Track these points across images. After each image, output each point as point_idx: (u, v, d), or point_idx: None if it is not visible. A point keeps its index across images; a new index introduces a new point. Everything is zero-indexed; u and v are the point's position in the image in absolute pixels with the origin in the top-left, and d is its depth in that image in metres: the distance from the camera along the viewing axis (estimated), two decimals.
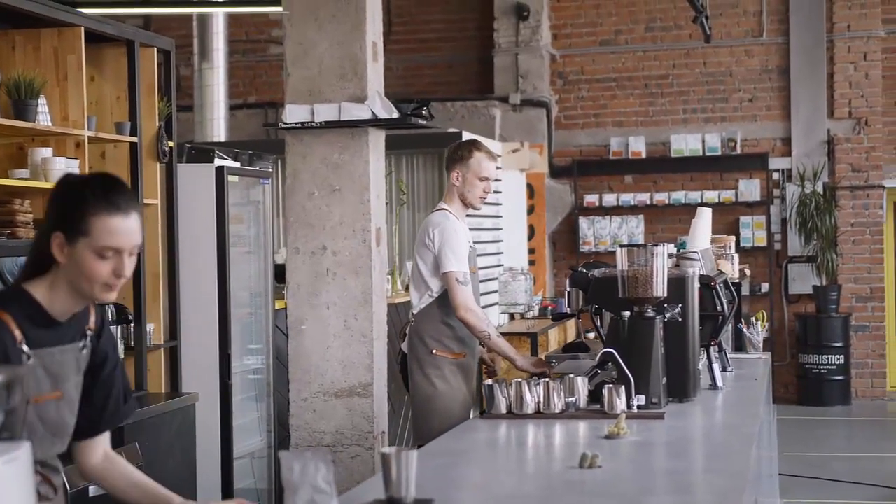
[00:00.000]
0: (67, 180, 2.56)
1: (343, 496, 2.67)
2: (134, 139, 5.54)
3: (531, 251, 11.32)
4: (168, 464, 5.21)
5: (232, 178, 6.14)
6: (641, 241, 11.42)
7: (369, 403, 4.99)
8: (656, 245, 4.09)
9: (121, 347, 5.36)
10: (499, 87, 12.06)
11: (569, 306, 4.90)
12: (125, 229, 2.47)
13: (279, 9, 5.27)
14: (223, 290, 6.03)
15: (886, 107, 11.74)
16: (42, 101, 5.02)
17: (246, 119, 12.17)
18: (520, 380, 3.97)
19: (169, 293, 5.88)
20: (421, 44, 12.57)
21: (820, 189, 11.48)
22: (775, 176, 11.80)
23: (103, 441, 2.73)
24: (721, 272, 5.26)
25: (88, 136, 5.23)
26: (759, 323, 6.03)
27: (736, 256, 6.26)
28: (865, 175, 11.67)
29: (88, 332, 2.63)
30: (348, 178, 4.97)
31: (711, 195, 11.65)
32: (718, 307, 4.66)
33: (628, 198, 11.88)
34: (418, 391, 5.01)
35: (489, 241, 9.36)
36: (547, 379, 3.99)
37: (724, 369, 4.91)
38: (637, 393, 3.92)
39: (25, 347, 2.45)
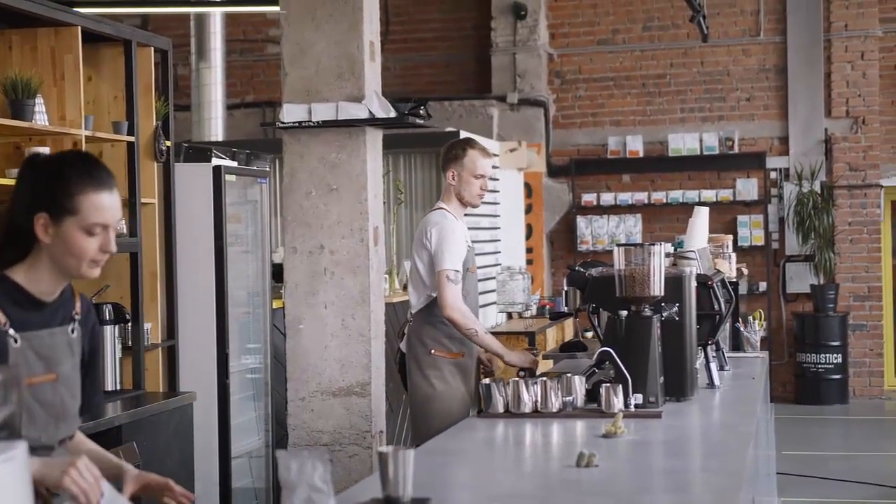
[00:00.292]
0: (41, 160, 2.57)
1: (340, 495, 2.67)
2: (131, 139, 5.54)
3: (529, 250, 11.32)
4: (166, 463, 5.21)
5: (229, 178, 6.14)
6: (639, 241, 11.43)
7: (367, 403, 4.99)
8: (653, 244, 4.09)
9: (118, 347, 5.36)
10: (496, 87, 12.07)
11: (566, 305, 4.92)
12: (111, 205, 2.52)
13: (276, 8, 5.27)
14: (221, 289, 6.03)
15: (884, 106, 11.75)
16: (39, 100, 5.02)
17: (243, 118, 12.17)
18: (517, 379, 3.97)
19: (166, 292, 5.88)
20: (418, 43, 12.57)
21: (817, 188, 11.49)
22: (773, 175, 11.80)
23: None
24: (718, 271, 5.27)
25: (85, 136, 5.22)
26: (757, 322, 6.04)
27: (733, 255, 6.26)
28: (863, 174, 11.68)
29: (76, 317, 2.64)
30: (346, 177, 4.97)
31: (709, 194, 11.65)
32: (716, 306, 4.66)
33: (626, 197, 11.89)
34: (417, 391, 5.00)
35: (487, 240, 9.36)
36: (544, 379, 3.99)
37: (721, 368, 4.91)
38: (634, 392, 3.93)
39: (12, 331, 2.46)
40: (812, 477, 8.14)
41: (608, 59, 12.15)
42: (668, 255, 4.50)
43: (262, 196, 6.59)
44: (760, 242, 11.67)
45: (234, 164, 6.66)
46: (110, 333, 5.26)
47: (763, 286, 11.63)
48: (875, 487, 7.80)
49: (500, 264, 9.71)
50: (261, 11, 11.89)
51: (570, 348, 6.20)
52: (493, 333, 8.12)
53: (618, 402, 3.85)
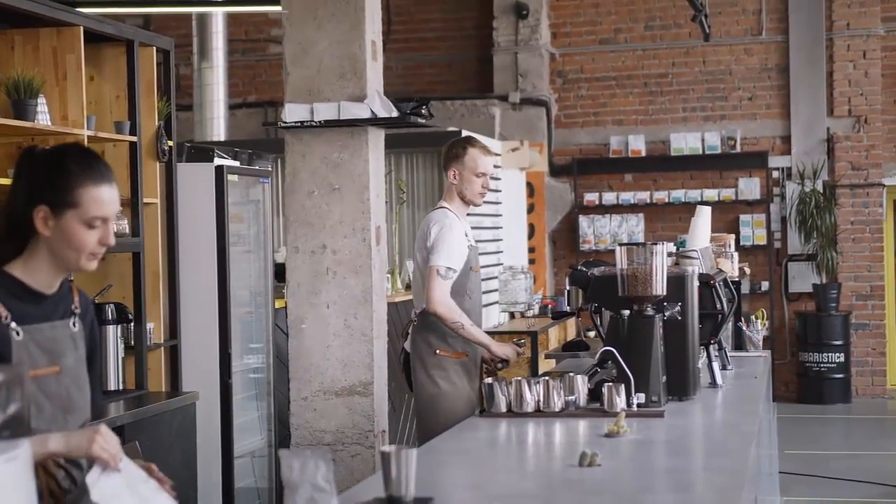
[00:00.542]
0: (39, 153, 2.58)
1: (343, 494, 2.67)
2: (133, 138, 5.54)
3: (531, 250, 11.32)
4: (168, 463, 5.21)
5: (232, 178, 6.14)
6: (641, 240, 11.42)
7: (369, 402, 5.00)
8: (656, 244, 4.09)
9: (121, 347, 5.36)
10: (498, 86, 12.07)
11: (569, 305, 4.92)
12: (110, 198, 2.54)
13: (278, 8, 5.27)
14: (223, 289, 6.03)
15: (886, 105, 11.74)
16: (41, 100, 5.02)
17: (245, 118, 12.17)
18: (519, 378, 3.97)
19: (169, 292, 5.89)
20: (420, 43, 12.57)
21: (820, 187, 11.48)
22: (775, 174, 11.80)
23: None
24: (721, 270, 5.27)
25: (88, 136, 5.22)
26: (759, 321, 6.03)
27: (736, 255, 6.26)
28: (865, 173, 11.67)
29: (76, 311, 2.65)
30: (348, 177, 4.97)
31: (711, 193, 11.65)
32: (718, 305, 4.66)
33: (628, 196, 11.89)
34: (422, 391, 4.99)
35: (489, 239, 9.36)
36: (547, 378, 3.99)
37: (723, 367, 4.91)
38: (637, 391, 3.92)
39: (14, 324, 2.47)
40: (814, 476, 8.13)
41: (610, 59, 12.15)
42: (670, 254, 4.51)
43: (264, 196, 6.60)
44: (763, 242, 11.67)
45: (237, 163, 6.67)
46: (113, 333, 5.27)
47: (765, 285, 11.62)
48: (877, 486, 7.79)
49: (502, 264, 9.71)
50: (262, 11, 11.89)
51: (573, 348, 6.19)
52: (495, 332, 8.14)
53: (620, 402, 3.85)
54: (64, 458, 2.53)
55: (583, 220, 11.95)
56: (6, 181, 4.93)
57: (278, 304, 6.53)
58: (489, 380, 4.05)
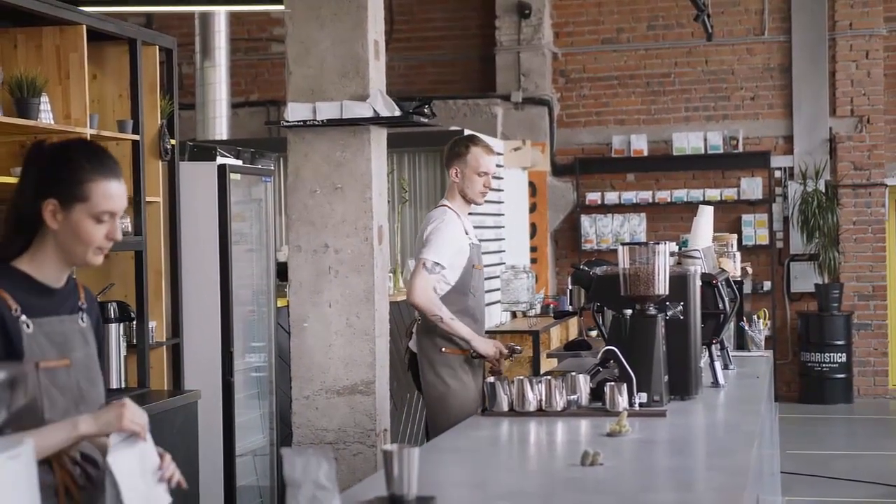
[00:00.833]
0: (48, 148, 2.59)
1: (345, 493, 2.67)
2: (136, 137, 5.55)
3: (533, 249, 11.32)
4: None
5: (234, 176, 6.15)
6: (643, 240, 11.42)
7: (371, 401, 4.99)
8: (658, 243, 4.09)
9: (123, 345, 5.36)
10: (500, 86, 12.06)
11: (571, 304, 4.91)
12: (119, 193, 2.56)
13: (281, 7, 5.27)
14: (225, 287, 6.03)
15: (888, 105, 11.73)
16: (44, 99, 5.03)
17: (247, 117, 12.17)
18: (521, 377, 3.97)
19: (171, 291, 5.89)
20: (423, 42, 12.56)
21: (822, 187, 11.48)
22: (777, 174, 11.80)
23: None
24: (723, 270, 5.27)
25: (90, 135, 5.23)
26: (761, 321, 6.03)
27: (738, 254, 6.26)
28: (867, 173, 11.67)
29: (83, 307, 2.66)
30: (350, 176, 4.97)
31: (713, 193, 11.64)
32: (720, 305, 4.66)
33: (630, 196, 11.88)
34: (431, 390, 5.01)
35: (491, 238, 9.36)
36: (549, 378, 3.99)
37: (725, 367, 4.91)
38: (639, 391, 3.92)
39: (24, 317, 2.48)
40: (816, 476, 8.13)
41: (612, 58, 12.15)
42: (672, 254, 4.50)
43: (266, 195, 6.60)
44: (765, 241, 11.67)
45: (239, 162, 6.67)
46: (115, 331, 5.27)
47: (767, 285, 11.62)
48: (879, 487, 7.79)
49: (504, 263, 9.71)
50: (265, 10, 11.90)
51: (575, 347, 6.19)
52: (497, 332, 8.14)
53: (622, 401, 3.85)
54: (81, 455, 2.56)
55: (585, 220, 11.95)
56: (9, 179, 4.94)
57: (280, 302, 6.54)
58: (491, 379, 4.05)
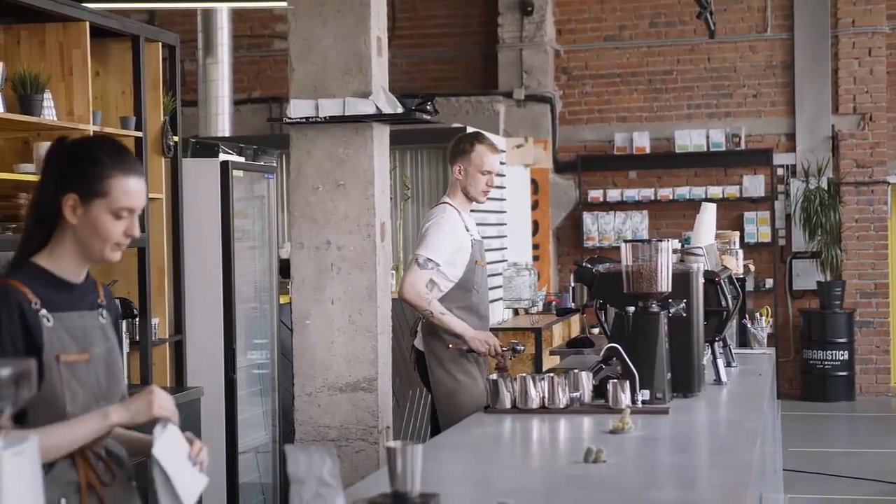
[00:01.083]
0: (70, 143, 2.61)
1: (348, 490, 2.67)
2: (139, 134, 5.55)
3: (535, 246, 11.32)
4: None
5: (237, 173, 6.15)
6: (646, 237, 11.42)
7: (374, 398, 4.99)
8: (661, 240, 4.09)
9: (126, 342, 5.37)
10: (503, 83, 12.06)
11: (573, 301, 4.91)
12: (138, 190, 2.58)
13: (283, 4, 5.27)
14: (228, 284, 6.04)
15: (891, 103, 11.73)
16: (47, 95, 5.03)
17: (250, 114, 12.17)
18: (524, 374, 3.97)
19: (174, 288, 5.89)
20: (425, 39, 12.56)
21: (824, 185, 11.47)
22: (779, 172, 11.79)
23: None
24: (725, 268, 5.27)
25: (94, 131, 5.23)
26: (764, 318, 6.03)
27: (740, 252, 6.26)
28: (870, 171, 11.66)
29: (102, 304, 2.68)
30: (353, 173, 4.96)
31: (715, 191, 11.64)
32: (723, 302, 4.66)
33: (632, 193, 11.88)
34: (441, 386, 5.00)
35: (493, 236, 9.36)
36: (552, 375, 3.99)
37: (728, 365, 4.91)
38: (641, 388, 3.93)
39: (44, 311, 2.50)
40: (818, 474, 8.13)
41: (615, 56, 12.14)
42: (675, 251, 4.50)
43: (269, 191, 6.60)
44: (767, 239, 11.67)
45: (242, 159, 6.67)
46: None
47: (769, 283, 11.62)
48: (881, 484, 7.79)
49: (506, 260, 9.71)
50: (267, 7, 11.90)
51: (577, 344, 6.20)
52: (499, 329, 8.14)
53: (625, 398, 3.85)
54: (107, 451, 2.58)
55: (587, 217, 11.95)
56: (12, 176, 4.95)
57: (283, 299, 6.54)
58: (494, 376, 4.06)
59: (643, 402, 3.92)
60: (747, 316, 6.16)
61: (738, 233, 6.58)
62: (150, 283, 5.60)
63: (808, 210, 11.37)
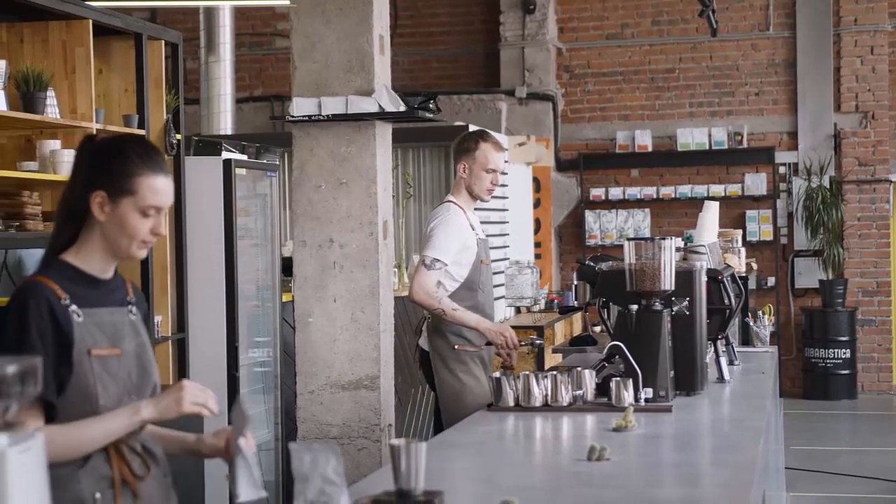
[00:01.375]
0: (100, 141, 2.64)
1: (352, 487, 2.68)
2: (142, 132, 5.55)
3: (537, 245, 11.32)
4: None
5: (239, 171, 6.15)
6: (647, 235, 11.41)
7: (376, 396, 4.99)
8: (664, 238, 4.08)
9: None
10: (505, 81, 12.06)
11: (576, 299, 4.91)
12: (166, 189, 2.60)
13: (286, 2, 5.27)
14: (230, 282, 6.04)
15: (893, 101, 11.72)
16: (50, 93, 5.03)
17: (252, 112, 12.17)
18: (527, 372, 3.97)
19: (177, 286, 5.90)
20: (427, 37, 12.56)
21: (826, 183, 11.47)
22: (781, 170, 11.79)
23: None
24: (728, 266, 5.27)
25: (97, 129, 5.23)
26: (766, 317, 6.03)
27: (743, 250, 6.26)
28: (872, 169, 11.66)
29: (131, 301, 2.70)
30: (355, 171, 4.97)
31: (717, 189, 11.64)
32: (726, 301, 4.66)
33: (634, 191, 11.88)
34: (445, 388, 4.97)
35: (496, 234, 9.36)
36: (555, 373, 3.99)
37: (731, 363, 4.91)
38: (645, 386, 3.92)
39: (74, 306, 2.52)
40: (820, 472, 8.13)
41: (617, 54, 12.14)
42: (678, 249, 4.50)
43: (271, 189, 6.60)
44: (769, 237, 11.67)
45: (244, 157, 6.68)
46: None
47: (771, 281, 11.62)
48: (883, 483, 7.79)
49: (508, 258, 9.71)
50: (269, 5, 11.90)
51: (580, 342, 6.20)
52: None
53: (628, 396, 3.85)
54: (142, 447, 2.60)
55: (589, 216, 11.95)
56: (15, 174, 4.95)
57: (285, 297, 6.54)
58: (497, 373, 4.05)
59: (646, 400, 3.91)
60: (750, 314, 6.16)
61: (740, 231, 6.58)
62: (152, 281, 5.60)
63: (811, 208, 11.37)
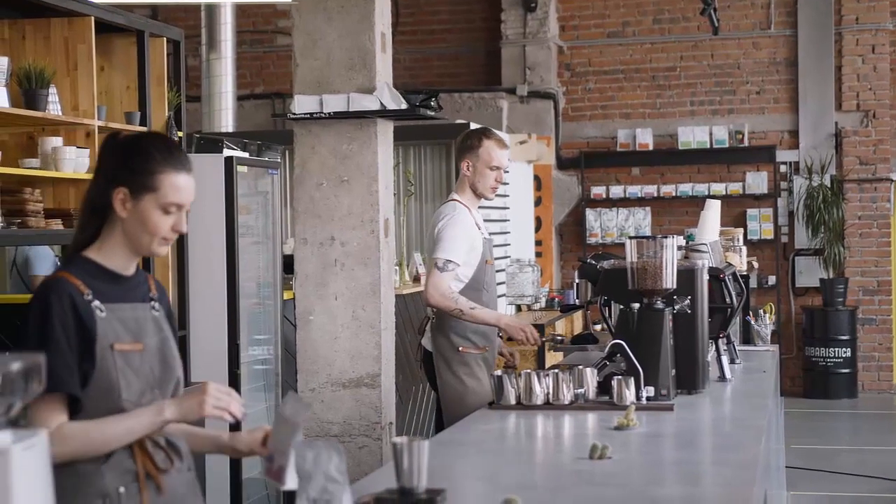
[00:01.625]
0: (123, 138, 2.66)
1: (354, 485, 2.67)
2: (143, 129, 5.55)
3: (538, 243, 11.32)
4: None
5: (241, 169, 6.15)
6: (648, 234, 11.42)
7: (377, 394, 5.00)
8: (666, 237, 4.08)
9: None
10: (506, 79, 12.06)
11: (577, 298, 4.90)
12: (188, 186, 2.63)
13: (287, 0, 5.27)
14: (232, 280, 6.04)
15: (894, 100, 11.72)
16: (52, 90, 5.03)
17: (253, 110, 12.17)
18: (529, 371, 3.97)
19: (178, 283, 5.89)
20: (428, 35, 12.56)
21: (827, 182, 11.47)
22: (782, 168, 11.79)
23: None
24: (730, 264, 5.27)
25: (98, 126, 5.23)
26: (768, 315, 6.03)
27: (744, 249, 6.26)
28: (873, 168, 11.66)
29: (153, 297, 2.71)
30: (356, 168, 4.97)
31: (718, 187, 11.64)
32: (727, 299, 4.66)
33: (635, 190, 11.88)
34: (448, 388, 4.93)
35: (497, 232, 9.37)
36: (556, 371, 3.99)
37: (732, 361, 4.91)
38: (646, 384, 3.92)
39: (97, 302, 2.54)
40: (820, 471, 8.13)
41: (618, 52, 12.14)
42: (680, 247, 4.50)
43: (273, 187, 6.60)
44: (770, 236, 11.66)
45: (245, 155, 6.67)
46: None
47: (772, 280, 11.62)
48: (883, 482, 7.79)
49: (509, 256, 9.71)
50: (270, 2, 11.89)
51: (581, 341, 6.19)
52: None
53: (629, 395, 3.85)
54: (166, 441, 2.62)
55: (590, 214, 11.95)
56: (17, 171, 4.95)
57: (286, 295, 6.54)
58: (498, 372, 4.05)
59: (648, 398, 3.91)
60: (751, 313, 6.16)
61: (741, 229, 6.58)
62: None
63: (811, 207, 11.37)
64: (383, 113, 4.92)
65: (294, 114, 4.97)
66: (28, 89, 4.91)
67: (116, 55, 5.65)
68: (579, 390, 3.92)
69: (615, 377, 3.90)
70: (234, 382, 6.08)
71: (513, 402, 3.93)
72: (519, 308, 9.46)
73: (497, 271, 9.07)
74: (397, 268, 7.59)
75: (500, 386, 3.95)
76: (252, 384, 6.47)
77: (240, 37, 11.39)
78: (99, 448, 2.51)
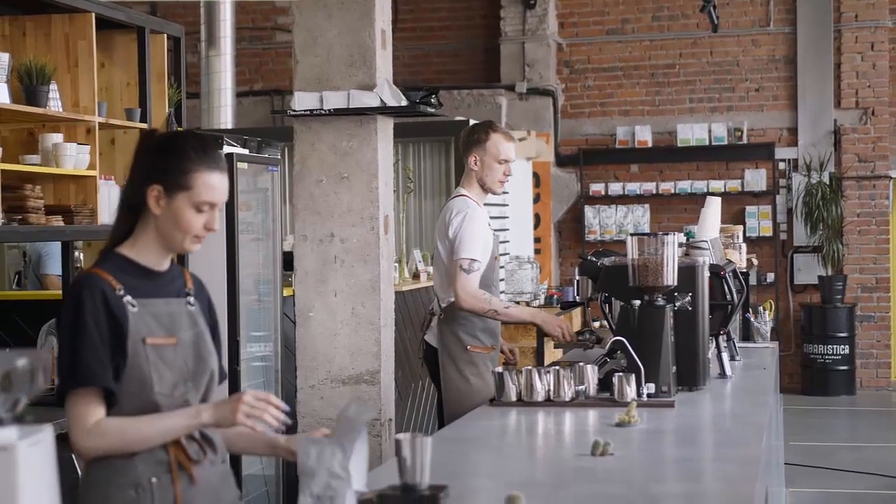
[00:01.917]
0: (160, 136, 2.70)
1: None
2: (144, 126, 5.55)
3: (537, 240, 11.32)
4: None
5: (240, 165, 6.14)
6: (647, 231, 11.42)
7: (377, 391, 5.00)
8: (667, 234, 4.08)
9: None
10: (505, 76, 12.06)
11: (578, 295, 4.90)
12: (222, 185, 2.65)
13: None
14: (231, 276, 6.03)
15: (893, 97, 11.72)
16: (53, 86, 5.03)
17: (252, 106, 12.17)
18: (530, 367, 3.97)
19: None
20: (427, 32, 12.55)
21: (826, 179, 11.48)
22: (781, 166, 11.80)
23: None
24: (730, 261, 5.27)
25: (99, 122, 5.23)
26: (767, 312, 6.04)
27: (744, 246, 6.26)
28: (872, 165, 11.66)
29: (189, 291, 2.74)
30: (356, 165, 4.96)
31: (717, 185, 11.65)
32: (728, 296, 4.67)
33: (634, 187, 11.88)
34: (451, 386, 4.88)
35: (496, 229, 9.36)
36: (557, 368, 3.99)
37: (732, 358, 4.91)
38: (647, 381, 3.93)
39: (129, 297, 2.58)
40: (819, 468, 8.14)
41: (617, 49, 12.14)
42: (680, 244, 4.50)
43: (272, 184, 6.59)
44: (769, 233, 11.67)
45: (245, 151, 6.66)
46: None
47: (771, 277, 11.62)
48: (881, 478, 7.80)
49: (508, 253, 9.72)
50: None
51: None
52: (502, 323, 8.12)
53: (630, 392, 3.85)
54: (200, 433, 2.65)
55: (588, 211, 11.95)
56: (17, 167, 4.94)
57: (286, 292, 6.54)
58: (499, 368, 4.05)
59: (648, 395, 3.92)
60: (750, 310, 6.17)
61: (741, 227, 6.58)
62: None
63: (810, 204, 11.38)
64: (383, 110, 4.92)
65: (294, 110, 4.97)
66: (29, 85, 4.91)
67: (117, 52, 5.65)
68: (580, 387, 3.93)
69: (616, 374, 3.91)
70: (234, 379, 6.08)
71: (514, 398, 3.93)
72: (517, 305, 9.46)
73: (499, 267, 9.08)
74: (397, 264, 7.59)
75: (501, 382, 3.95)
76: (252, 381, 6.46)
77: (239, 33, 11.38)
78: (134, 446, 2.55)
